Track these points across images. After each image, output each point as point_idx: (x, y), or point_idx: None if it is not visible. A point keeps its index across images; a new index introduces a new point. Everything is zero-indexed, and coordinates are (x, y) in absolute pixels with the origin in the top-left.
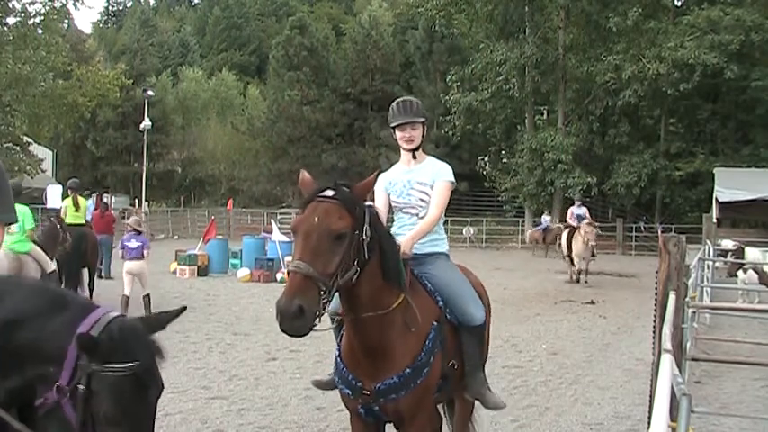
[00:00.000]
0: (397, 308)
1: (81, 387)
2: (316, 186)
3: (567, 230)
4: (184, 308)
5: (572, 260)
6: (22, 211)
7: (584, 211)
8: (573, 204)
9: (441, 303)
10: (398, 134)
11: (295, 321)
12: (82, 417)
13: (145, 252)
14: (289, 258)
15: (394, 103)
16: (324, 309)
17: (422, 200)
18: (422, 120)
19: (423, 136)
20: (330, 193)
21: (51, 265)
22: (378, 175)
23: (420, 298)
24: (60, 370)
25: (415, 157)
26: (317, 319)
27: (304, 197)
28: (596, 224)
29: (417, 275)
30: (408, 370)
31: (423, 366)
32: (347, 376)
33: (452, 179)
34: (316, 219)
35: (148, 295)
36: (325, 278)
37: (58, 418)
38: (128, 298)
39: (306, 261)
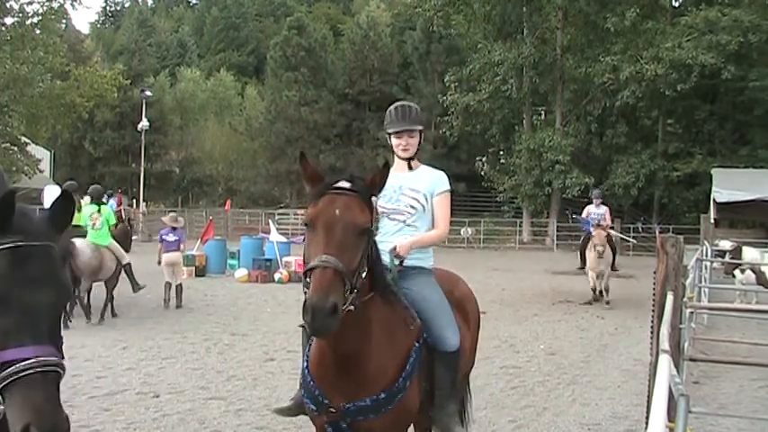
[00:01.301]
0: (373, 301)
1: None
2: (329, 178)
3: (583, 238)
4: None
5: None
6: (105, 210)
7: (603, 210)
8: (591, 203)
9: (419, 321)
10: (394, 141)
11: (328, 319)
12: None
13: (181, 245)
14: (287, 259)
15: (392, 108)
16: (348, 307)
17: (411, 206)
18: (420, 127)
19: (420, 144)
20: (347, 184)
21: (126, 258)
22: (388, 169)
23: (402, 312)
24: None
25: (410, 167)
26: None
27: (317, 188)
28: (610, 225)
29: (398, 289)
30: (383, 395)
31: (397, 392)
32: (314, 391)
33: (449, 188)
34: (336, 211)
35: (180, 285)
36: (350, 274)
37: None
38: (170, 284)
39: (333, 255)
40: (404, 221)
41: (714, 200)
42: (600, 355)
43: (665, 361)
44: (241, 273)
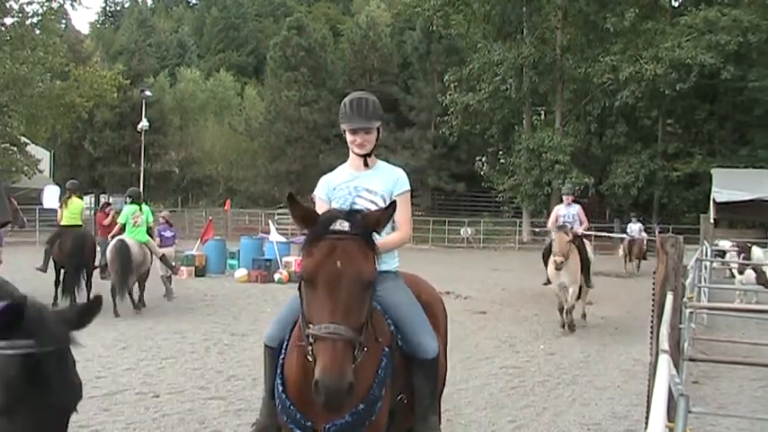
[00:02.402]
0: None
1: None
2: (323, 216)
3: (546, 245)
4: (100, 299)
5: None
6: (146, 209)
7: (576, 210)
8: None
9: (392, 328)
10: (349, 137)
11: (344, 398)
12: None
13: (176, 240)
14: (287, 259)
15: (347, 100)
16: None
17: (368, 209)
18: (377, 124)
19: (377, 139)
20: (346, 225)
21: (160, 252)
22: (394, 209)
23: (379, 321)
24: None
25: (366, 164)
26: None
27: (310, 231)
28: (586, 228)
29: None
30: (361, 406)
31: (375, 401)
32: (295, 415)
33: (409, 187)
34: (338, 263)
35: (170, 276)
36: (359, 334)
37: None
38: (164, 276)
39: (340, 322)
40: None
41: (714, 200)
42: (600, 355)
43: (664, 361)
44: (241, 273)
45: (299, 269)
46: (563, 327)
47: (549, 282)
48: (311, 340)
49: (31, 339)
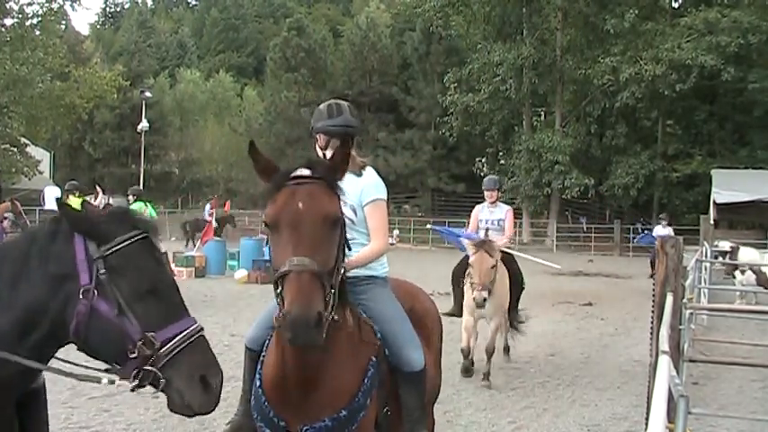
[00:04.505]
0: (346, 319)
1: (102, 274)
2: (285, 167)
3: (458, 263)
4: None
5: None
6: (150, 206)
7: (504, 213)
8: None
9: (380, 336)
10: (321, 142)
11: (313, 332)
12: (116, 303)
13: None
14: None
15: (323, 106)
16: (331, 314)
17: None
18: (353, 134)
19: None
20: (306, 171)
21: (162, 248)
22: (348, 149)
23: (362, 324)
24: (78, 276)
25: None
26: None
27: (272, 181)
28: (510, 239)
29: (351, 301)
30: (344, 412)
31: (359, 409)
32: (268, 413)
33: (382, 195)
34: (300, 204)
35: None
36: (328, 275)
37: (98, 323)
38: None
39: (306, 255)
40: None
41: (714, 201)
42: (600, 355)
43: (664, 362)
44: (241, 273)
45: (265, 218)
46: (466, 371)
47: (457, 313)
48: (280, 285)
49: (135, 227)
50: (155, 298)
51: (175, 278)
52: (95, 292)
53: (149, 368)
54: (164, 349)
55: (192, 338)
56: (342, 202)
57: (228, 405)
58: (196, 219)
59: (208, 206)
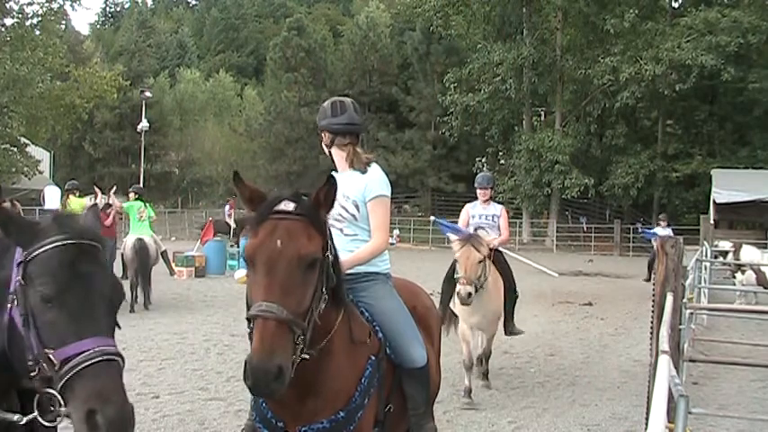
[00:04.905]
0: (340, 324)
1: (18, 281)
2: (269, 198)
3: (449, 269)
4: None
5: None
6: (149, 206)
7: (498, 211)
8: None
9: (380, 335)
10: (326, 140)
11: (272, 384)
12: (23, 310)
13: None
14: None
15: (327, 103)
16: (300, 358)
17: (340, 214)
18: (357, 132)
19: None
20: (291, 206)
21: (163, 246)
22: (335, 182)
23: (357, 325)
24: (10, 283)
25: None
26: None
27: (255, 214)
28: (505, 239)
29: (352, 299)
30: (342, 414)
31: (357, 409)
32: (266, 414)
33: (386, 192)
34: (278, 243)
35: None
36: (300, 319)
37: (13, 334)
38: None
39: (275, 301)
40: (340, 230)
41: (714, 201)
42: (600, 355)
43: (664, 362)
44: (241, 273)
45: (244, 251)
46: (468, 394)
47: (440, 312)
48: (251, 325)
49: (64, 233)
50: (59, 311)
51: (176, 278)
52: (15, 300)
53: (50, 390)
54: (62, 370)
55: (93, 361)
56: (326, 241)
57: (228, 405)
58: (217, 221)
59: (227, 207)
